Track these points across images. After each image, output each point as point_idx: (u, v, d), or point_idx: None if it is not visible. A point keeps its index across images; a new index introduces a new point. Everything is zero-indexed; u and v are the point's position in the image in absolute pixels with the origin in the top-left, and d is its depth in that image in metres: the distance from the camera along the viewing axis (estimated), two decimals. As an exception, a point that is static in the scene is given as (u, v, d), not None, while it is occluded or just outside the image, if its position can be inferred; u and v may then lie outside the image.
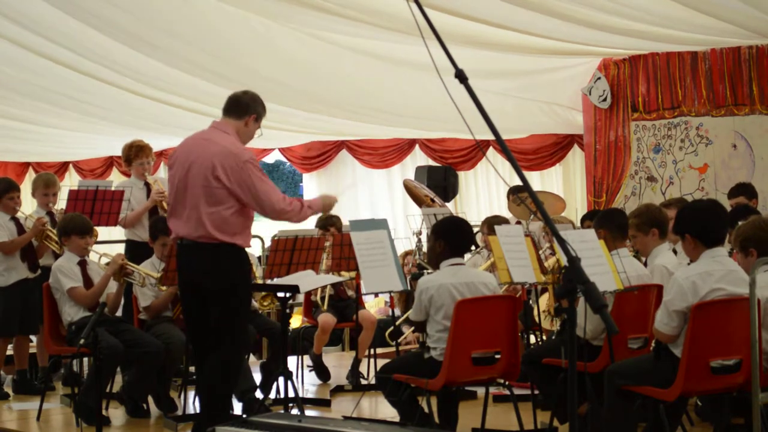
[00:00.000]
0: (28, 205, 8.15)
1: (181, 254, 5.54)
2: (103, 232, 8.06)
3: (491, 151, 12.87)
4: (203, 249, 5.38)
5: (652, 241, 6.06)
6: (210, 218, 5.33)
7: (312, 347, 8.14)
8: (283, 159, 14.91)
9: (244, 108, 5.58)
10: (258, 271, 7.51)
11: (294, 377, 6.49)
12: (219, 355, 5.44)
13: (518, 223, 9.08)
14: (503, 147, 3.46)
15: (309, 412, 6.66)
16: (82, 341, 5.42)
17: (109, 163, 15.37)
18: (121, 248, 7.95)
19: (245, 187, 5.34)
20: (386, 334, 8.98)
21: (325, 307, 7.96)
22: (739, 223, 6.06)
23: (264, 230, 10.15)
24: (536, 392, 6.09)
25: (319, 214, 8.58)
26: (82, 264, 6.82)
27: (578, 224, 8.62)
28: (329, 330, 7.98)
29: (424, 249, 10.10)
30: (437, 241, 5.77)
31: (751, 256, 5.27)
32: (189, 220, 5.40)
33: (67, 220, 6.97)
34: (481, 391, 6.27)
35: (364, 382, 7.90)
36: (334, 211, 9.37)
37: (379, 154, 13.86)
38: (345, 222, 8.33)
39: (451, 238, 5.74)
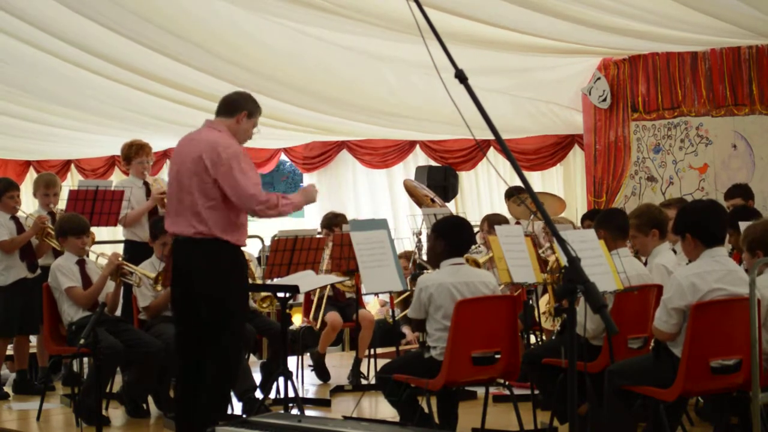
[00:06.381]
0: (29, 205, 8.14)
1: (177, 251, 5.53)
2: (105, 232, 8.05)
3: (491, 152, 12.87)
4: (198, 245, 5.37)
5: (652, 241, 6.06)
6: (205, 213, 5.32)
7: (312, 347, 8.13)
8: (284, 158, 14.92)
9: (234, 106, 5.53)
10: (258, 271, 7.50)
11: (294, 377, 6.49)
12: (213, 358, 5.41)
13: (518, 223, 9.08)
14: (503, 147, 3.47)
15: (309, 412, 6.65)
16: (82, 341, 5.43)
17: (111, 162, 15.36)
18: (122, 248, 7.94)
19: (226, 180, 5.30)
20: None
21: (323, 308, 7.95)
22: (740, 224, 6.06)
23: (264, 230, 10.15)
24: (536, 392, 6.09)
25: (325, 213, 8.66)
26: (81, 264, 6.81)
27: (578, 224, 8.62)
28: (338, 328, 7.97)
29: (425, 249, 10.10)
30: (437, 240, 5.77)
31: (757, 258, 5.27)
32: (183, 216, 5.39)
33: (63, 220, 6.96)
34: (481, 391, 6.26)
35: (364, 382, 7.90)
36: (339, 210, 9.42)
37: (380, 154, 13.84)
38: (346, 222, 8.33)
39: (451, 237, 5.75)
